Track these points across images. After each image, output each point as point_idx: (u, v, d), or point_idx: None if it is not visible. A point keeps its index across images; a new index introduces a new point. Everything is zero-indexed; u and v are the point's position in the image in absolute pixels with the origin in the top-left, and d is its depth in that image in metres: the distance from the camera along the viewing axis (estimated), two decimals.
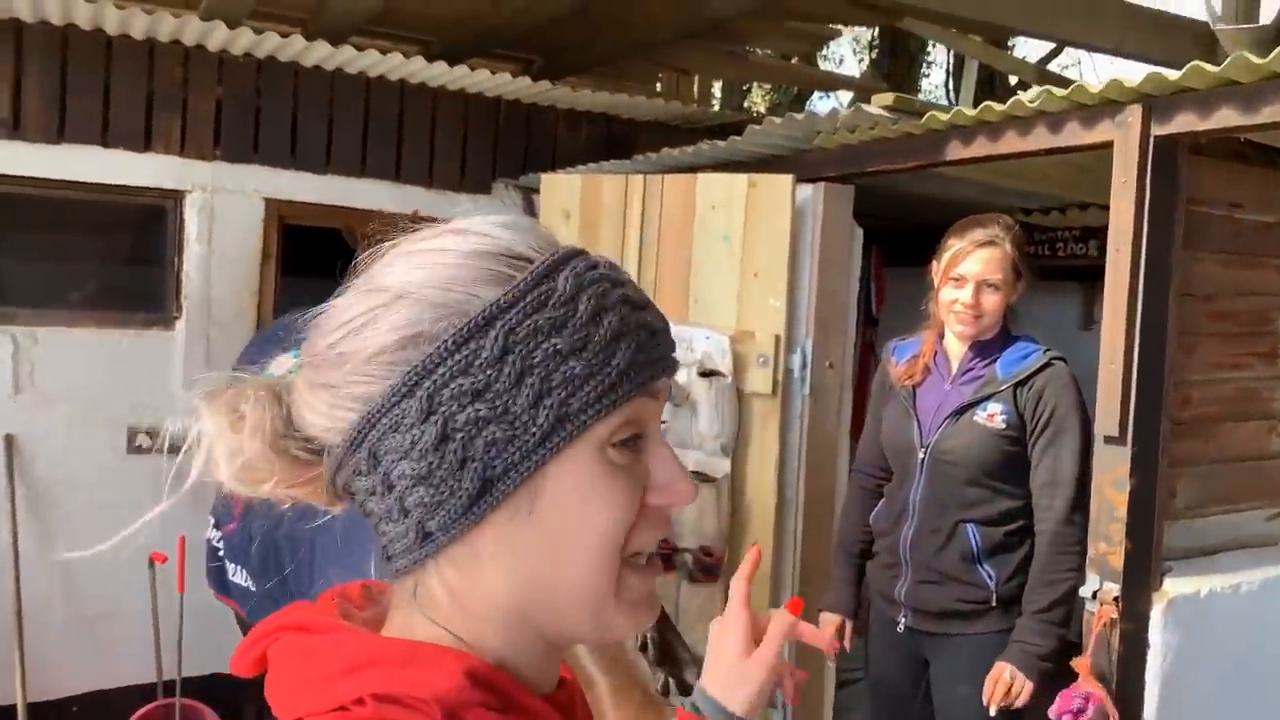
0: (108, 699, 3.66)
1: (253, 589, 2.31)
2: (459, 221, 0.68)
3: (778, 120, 3.13)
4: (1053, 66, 8.14)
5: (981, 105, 2.62)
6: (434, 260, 0.65)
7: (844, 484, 3.24)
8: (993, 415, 2.46)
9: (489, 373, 0.60)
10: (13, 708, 3.39)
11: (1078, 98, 2.38)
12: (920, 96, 8.55)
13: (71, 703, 3.71)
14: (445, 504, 0.61)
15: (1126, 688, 2.25)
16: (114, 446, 3.88)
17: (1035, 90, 2.49)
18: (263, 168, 4.10)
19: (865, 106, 2.85)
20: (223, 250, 4.06)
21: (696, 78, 7.35)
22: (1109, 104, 2.37)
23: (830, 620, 2.74)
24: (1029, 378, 2.44)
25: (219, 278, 4.05)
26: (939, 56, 10.83)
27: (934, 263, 2.60)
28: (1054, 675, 2.28)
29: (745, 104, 10.37)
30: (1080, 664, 2.20)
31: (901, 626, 2.59)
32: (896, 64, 8.46)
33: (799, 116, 3.06)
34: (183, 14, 3.68)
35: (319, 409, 0.65)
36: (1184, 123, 2.24)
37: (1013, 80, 8.12)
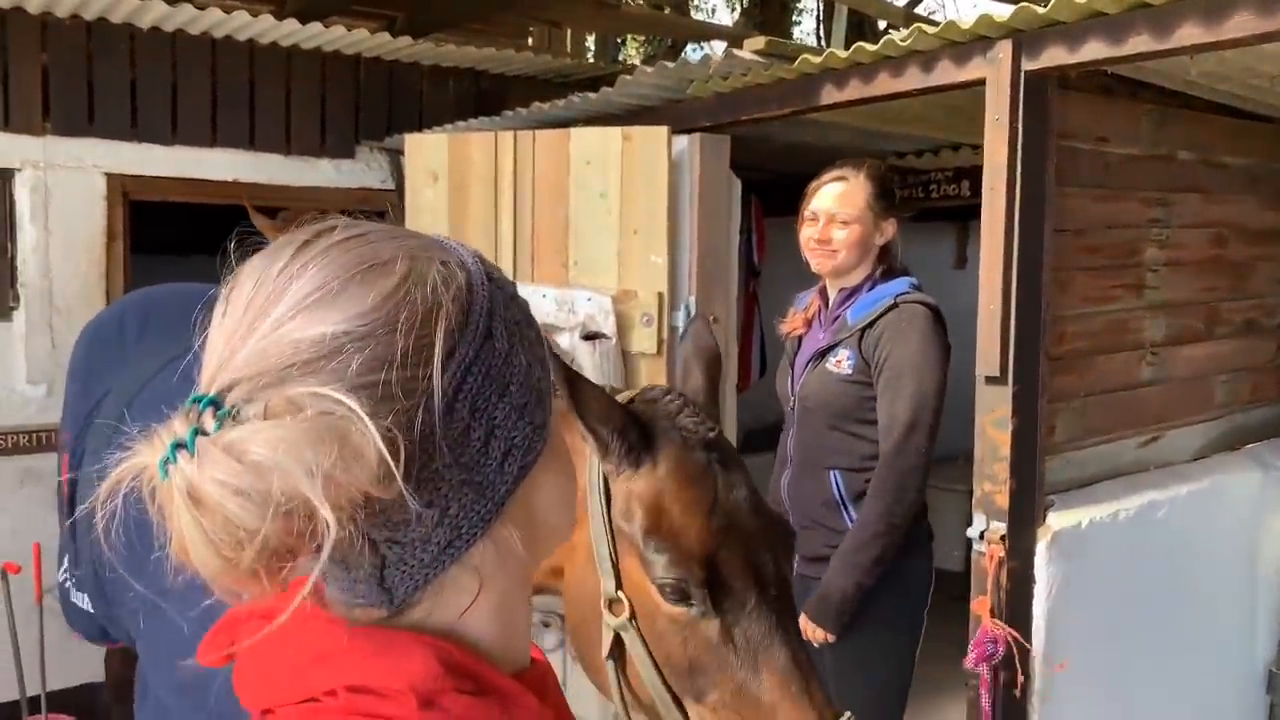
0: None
1: (92, 610, 2.15)
2: (322, 228, 0.67)
3: (649, 69, 3.03)
4: (920, 10, 8.23)
5: (854, 46, 2.57)
6: (384, 237, 0.67)
7: (732, 437, 3.21)
8: (840, 361, 2.45)
9: (515, 306, 0.69)
10: None
11: (949, 34, 2.35)
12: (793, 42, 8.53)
13: (79, 691, 3.44)
14: (540, 429, 0.67)
15: (1014, 623, 2.27)
16: None
17: (908, 30, 2.45)
18: (101, 140, 3.80)
19: (737, 52, 2.78)
20: (63, 232, 3.76)
21: (569, 32, 7.18)
22: (980, 40, 2.35)
23: None
24: (873, 322, 2.40)
25: (60, 262, 3.75)
26: (809, 3, 10.86)
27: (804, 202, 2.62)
28: (855, 615, 2.29)
29: (620, 57, 10.21)
30: (980, 605, 2.22)
31: (794, 573, 2.56)
32: (768, 12, 8.42)
33: (671, 65, 2.97)
34: None
35: (385, 391, 0.59)
36: (1053, 56, 2.23)
37: (881, 25, 8.19)
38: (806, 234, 2.53)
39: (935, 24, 2.46)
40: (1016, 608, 2.31)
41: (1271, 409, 3.24)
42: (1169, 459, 2.79)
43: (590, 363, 3.04)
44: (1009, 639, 2.16)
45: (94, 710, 3.44)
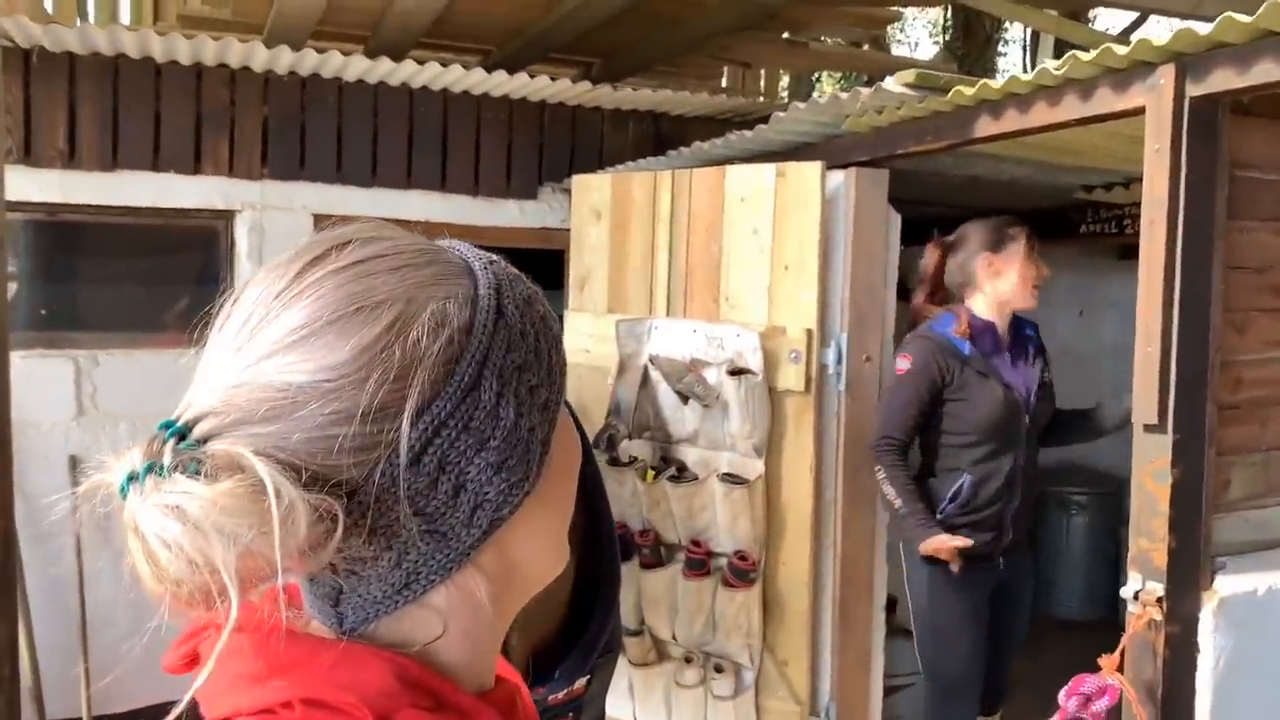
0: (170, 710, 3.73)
1: None
2: (339, 240, 0.66)
3: (802, 105, 3.02)
4: (1138, 35, 7.71)
5: (1009, 77, 2.47)
6: (389, 265, 0.64)
7: None
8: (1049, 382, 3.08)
9: (523, 347, 0.64)
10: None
11: (1105, 61, 2.21)
12: (998, 76, 8.20)
13: (136, 715, 3.82)
14: (520, 484, 0.63)
15: (1174, 695, 2.06)
16: None
17: (1064, 58, 2.33)
18: (309, 184, 4.17)
19: (885, 85, 2.72)
20: None
21: (763, 72, 7.21)
22: (1141, 65, 2.20)
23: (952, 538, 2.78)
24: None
25: None
26: (1016, 34, 10.38)
27: (994, 250, 2.98)
28: None
29: (814, 94, 10.14)
30: (1106, 661, 2.03)
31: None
32: (970, 44, 8.13)
33: (822, 100, 2.94)
34: (222, 36, 3.75)
35: (344, 445, 0.58)
36: (1222, 80, 2.05)
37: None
38: (1032, 271, 2.98)
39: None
40: (1177, 679, 2.10)
41: None
42: None
43: (736, 398, 3.03)
44: (1118, 694, 1.97)
45: None
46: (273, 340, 0.60)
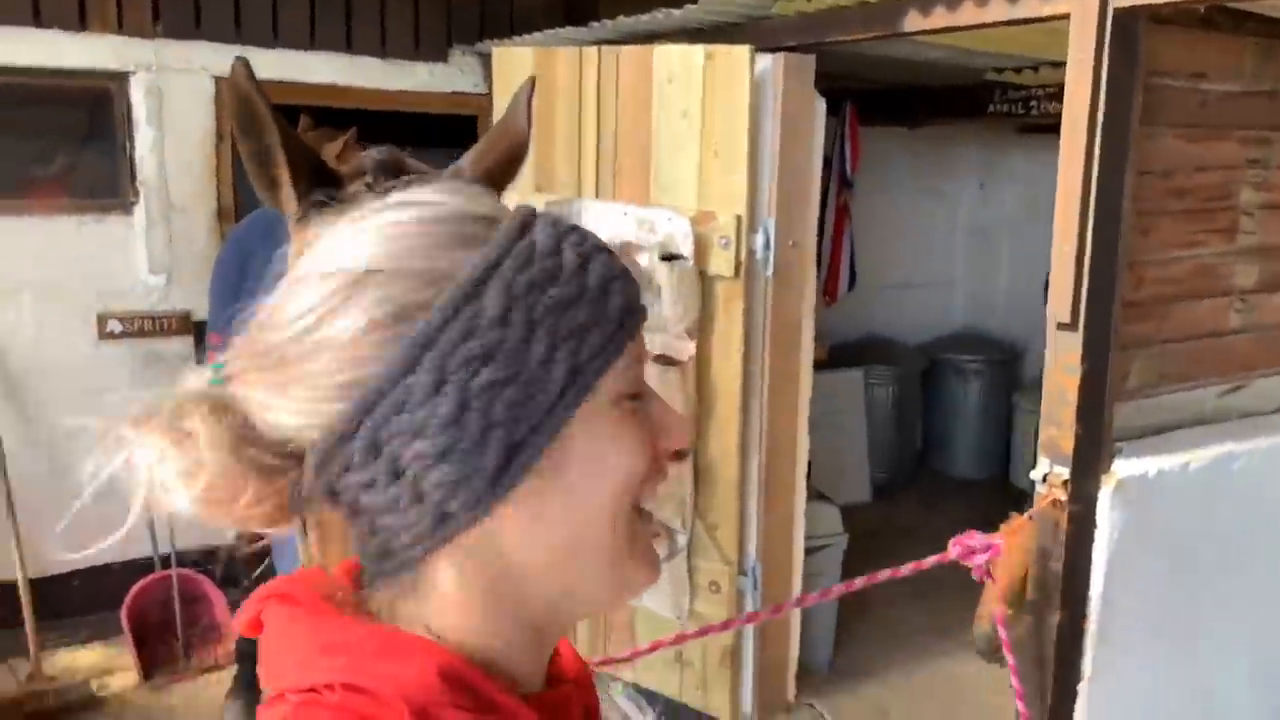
0: (108, 572, 3.76)
1: None
2: (398, 196, 0.65)
3: None
4: None
5: None
6: (392, 232, 0.62)
7: (808, 365, 3.25)
8: None
9: (495, 333, 0.58)
10: (14, 583, 3.51)
11: None
12: None
13: (73, 577, 3.84)
14: (470, 479, 0.58)
15: (1074, 569, 2.31)
16: (85, 334, 3.88)
17: None
18: (206, 43, 3.93)
19: None
20: (175, 132, 3.95)
21: None
22: None
23: None
24: None
25: (173, 161, 3.96)
26: None
27: None
28: None
29: None
30: (1006, 527, 2.25)
31: None
32: None
33: None
34: None
35: (291, 407, 0.60)
36: None
37: None
38: None
39: None
40: (1077, 553, 2.34)
41: None
42: (1253, 409, 2.73)
43: (668, 282, 3.10)
44: (998, 554, 2.19)
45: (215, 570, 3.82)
46: (305, 306, 0.62)
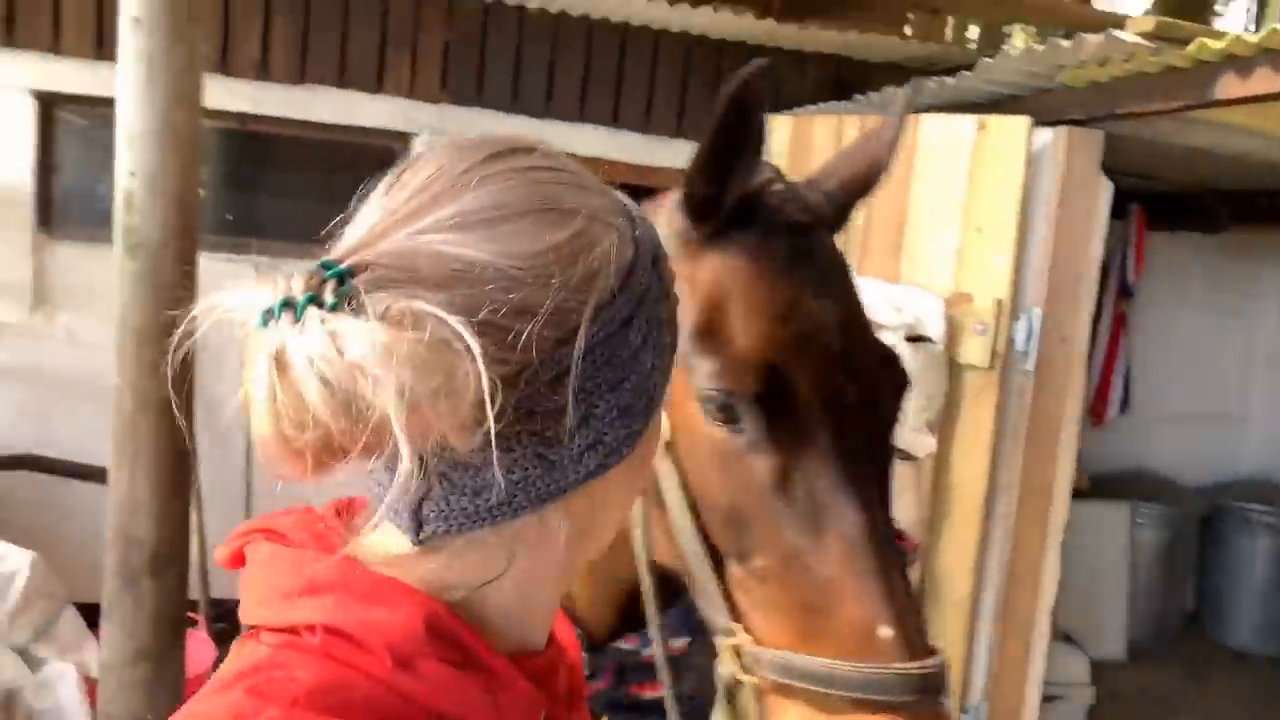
0: None
1: None
2: (523, 144, 0.66)
3: (1013, 53, 2.77)
4: None
5: (1268, 29, 2.17)
6: (575, 181, 0.65)
7: (1065, 482, 2.86)
8: None
9: (665, 304, 0.65)
10: None
11: None
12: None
13: None
14: (635, 435, 0.63)
15: None
16: None
17: None
18: (485, 111, 4.15)
19: (1119, 33, 2.44)
20: None
21: (951, 20, 6.82)
22: None
23: None
24: None
25: None
26: None
27: None
28: None
29: (1004, 48, 9.57)
30: None
31: None
32: (1185, 3, 7.45)
33: (1039, 48, 2.68)
34: None
35: (514, 339, 0.56)
36: None
37: None
38: None
39: None
40: None
41: None
42: None
43: (912, 368, 2.85)
44: None
45: None
46: (455, 214, 0.58)
